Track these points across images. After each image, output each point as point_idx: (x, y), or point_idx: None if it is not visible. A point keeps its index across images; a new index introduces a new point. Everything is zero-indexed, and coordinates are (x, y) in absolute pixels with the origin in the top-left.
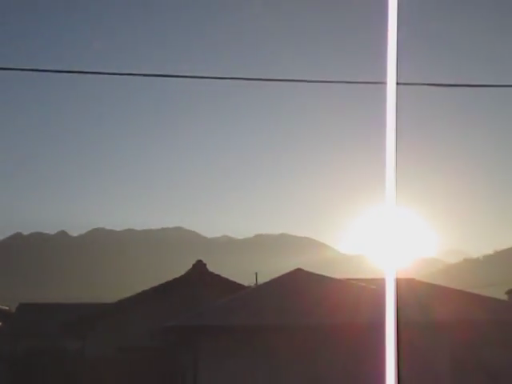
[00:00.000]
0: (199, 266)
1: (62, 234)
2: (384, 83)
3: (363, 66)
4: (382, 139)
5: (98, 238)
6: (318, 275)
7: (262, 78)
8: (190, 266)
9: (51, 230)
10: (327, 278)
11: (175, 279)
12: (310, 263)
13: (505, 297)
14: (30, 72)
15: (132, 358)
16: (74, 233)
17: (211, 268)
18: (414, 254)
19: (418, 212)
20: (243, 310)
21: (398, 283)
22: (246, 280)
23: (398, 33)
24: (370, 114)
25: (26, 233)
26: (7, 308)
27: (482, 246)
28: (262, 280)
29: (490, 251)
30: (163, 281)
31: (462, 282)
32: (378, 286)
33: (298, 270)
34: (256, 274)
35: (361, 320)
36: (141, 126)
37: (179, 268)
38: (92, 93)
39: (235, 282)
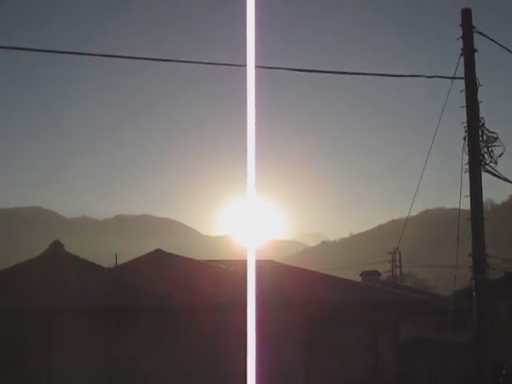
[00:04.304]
0: (56, 246)
1: None
2: (244, 66)
3: (227, 49)
4: (244, 124)
5: None
6: (177, 256)
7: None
8: (47, 247)
9: None
10: (186, 258)
11: (30, 260)
12: (171, 245)
13: (359, 278)
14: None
15: None
16: None
17: (69, 249)
18: (275, 237)
19: (279, 197)
20: (101, 292)
21: (258, 265)
22: (106, 261)
23: (257, 15)
24: (238, 96)
25: None
26: None
27: (339, 229)
28: (122, 261)
29: (347, 235)
30: (19, 262)
31: (319, 264)
32: (237, 268)
33: (158, 250)
34: (116, 255)
35: (218, 301)
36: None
37: (36, 249)
38: None
39: (94, 263)
